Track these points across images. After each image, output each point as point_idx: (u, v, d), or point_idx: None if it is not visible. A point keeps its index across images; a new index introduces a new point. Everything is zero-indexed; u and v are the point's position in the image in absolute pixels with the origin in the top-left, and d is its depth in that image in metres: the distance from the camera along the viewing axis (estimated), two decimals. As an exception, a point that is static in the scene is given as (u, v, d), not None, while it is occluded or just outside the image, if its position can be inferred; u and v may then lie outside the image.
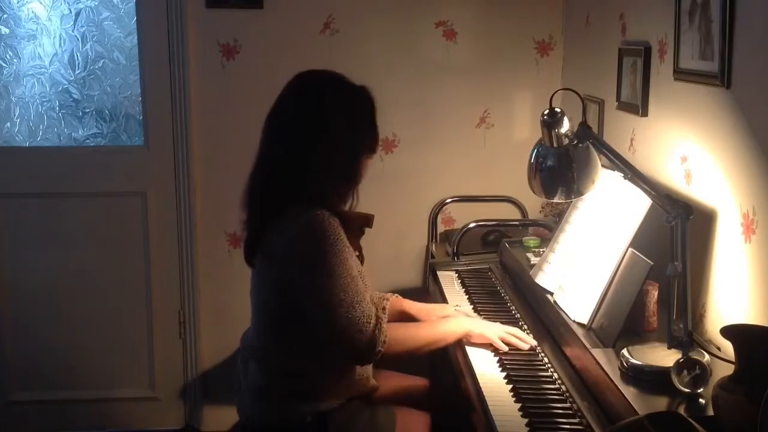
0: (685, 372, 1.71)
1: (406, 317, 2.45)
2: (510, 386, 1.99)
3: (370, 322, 2.05)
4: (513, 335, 2.21)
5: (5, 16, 3.47)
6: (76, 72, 3.52)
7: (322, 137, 2.11)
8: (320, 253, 2.04)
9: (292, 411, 2.14)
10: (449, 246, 3.12)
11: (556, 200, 2.24)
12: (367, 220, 2.28)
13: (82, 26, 3.49)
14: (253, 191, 2.18)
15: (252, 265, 2.22)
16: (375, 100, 2.20)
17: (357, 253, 2.29)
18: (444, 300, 2.63)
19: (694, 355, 1.73)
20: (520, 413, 1.86)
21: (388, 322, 2.37)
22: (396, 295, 2.50)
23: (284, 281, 2.09)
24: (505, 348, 2.18)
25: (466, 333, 2.23)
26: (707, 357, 1.78)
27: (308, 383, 2.15)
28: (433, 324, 2.28)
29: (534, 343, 2.21)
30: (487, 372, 2.08)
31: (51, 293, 3.57)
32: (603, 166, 2.16)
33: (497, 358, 2.15)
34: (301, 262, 2.07)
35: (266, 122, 2.20)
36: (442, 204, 3.54)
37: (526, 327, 2.34)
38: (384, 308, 2.37)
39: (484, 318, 2.42)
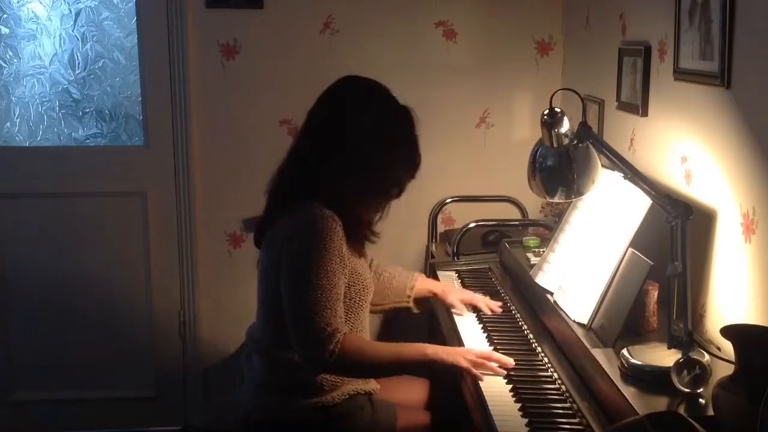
0: (685, 372, 1.71)
1: (431, 296, 2.55)
2: (510, 386, 1.99)
3: (326, 329, 2.02)
4: (489, 358, 2.08)
5: (5, 16, 3.47)
6: (76, 72, 3.52)
7: (352, 146, 2.13)
8: (307, 250, 2.06)
9: (294, 404, 2.16)
10: (449, 246, 3.12)
11: (556, 200, 2.24)
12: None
13: (82, 26, 3.49)
14: (277, 184, 2.22)
15: (260, 247, 2.25)
16: (416, 123, 2.22)
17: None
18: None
19: (694, 355, 1.73)
20: (520, 413, 1.86)
21: (418, 298, 2.51)
22: (421, 275, 2.60)
23: (276, 267, 2.12)
24: (481, 377, 2.02)
25: (434, 360, 2.09)
26: (707, 357, 1.78)
27: (309, 377, 2.15)
28: (399, 345, 2.17)
29: (511, 363, 2.07)
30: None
31: (51, 293, 3.57)
32: (603, 166, 2.16)
33: (497, 358, 2.15)
34: (289, 254, 2.10)
35: (306, 119, 2.22)
36: (442, 204, 3.53)
37: (526, 327, 2.34)
38: (412, 287, 2.51)
39: (486, 318, 2.43)
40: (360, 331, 2.24)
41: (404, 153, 2.19)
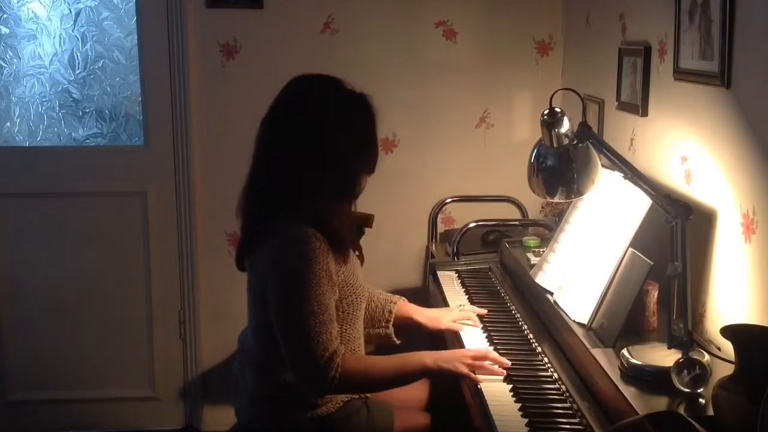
0: (685, 372, 1.71)
1: (413, 324, 2.42)
2: (510, 386, 1.99)
3: (324, 355, 1.98)
4: (485, 358, 2.08)
5: (5, 16, 3.47)
6: (76, 72, 3.52)
7: (317, 150, 2.05)
8: (293, 277, 2.00)
9: (290, 416, 2.14)
10: (449, 246, 3.12)
11: (556, 200, 2.24)
12: (366, 220, 2.27)
13: (82, 26, 3.49)
14: (247, 199, 2.14)
15: (242, 269, 2.20)
16: (375, 111, 2.13)
17: (357, 254, 2.28)
18: (444, 300, 2.63)
19: (694, 355, 1.73)
20: (520, 413, 1.86)
21: (395, 325, 2.38)
22: (403, 298, 2.47)
23: (264, 294, 2.07)
24: (480, 380, 2.02)
25: (433, 368, 2.08)
26: (707, 357, 1.78)
27: (303, 393, 2.13)
28: (398, 359, 2.14)
29: (508, 363, 2.07)
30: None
31: (51, 293, 3.57)
32: (603, 166, 2.15)
33: (497, 358, 2.15)
34: (275, 281, 2.04)
35: (261, 128, 2.14)
36: (442, 204, 3.54)
37: (526, 327, 2.34)
38: (390, 311, 2.39)
39: (486, 319, 2.43)
40: (356, 339, 2.20)
41: (366, 149, 2.12)
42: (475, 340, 2.30)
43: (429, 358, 2.11)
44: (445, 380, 2.29)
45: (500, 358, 2.08)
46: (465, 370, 2.05)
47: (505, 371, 2.05)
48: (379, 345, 2.39)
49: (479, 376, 2.03)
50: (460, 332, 2.36)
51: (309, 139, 2.06)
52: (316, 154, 2.05)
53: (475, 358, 2.08)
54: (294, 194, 2.06)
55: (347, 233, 2.15)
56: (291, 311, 2.01)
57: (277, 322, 2.04)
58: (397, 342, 2.41)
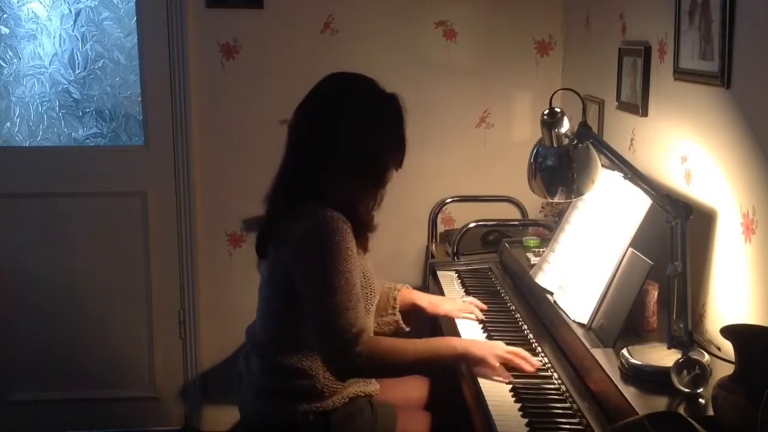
0: (685, 372, 1.71)
1: (416, 309, 2.46)
2: (510, 386, 1.99)
3: (351, 330, 2.00)
4: (516, 355, 2.08)
5: (5, 16, 3.47)
6: (76, 72, 3.52)
7: (344, 140, 2.12)
8: (323, 253, 2.04)
9: (294, 409, 2.14)
10: (449, 246, 3.12)
11: (556, 200, 2.24)
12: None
13: (82, 26, 3.49)
14: (277, 186, 2.20)
15: (262, 256, 2.23)
16: (404, 110, 2.21)
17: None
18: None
19: (694, 355, 1.73)
20: (520, 413, 1.86)
21: (401, 311, 2.42)
22: (407, 285, 2.51)
23: (288, 277, 2.09)
24: (509, 377, 2.02)
25: (463, 355, 2.09)
26: (707, 357, 1.78)
27: (311, 382, 2.14)
28: (426, 342, 2.15)
29: (539, 364, 2.07)
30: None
31: (51, 293, 3.57)
32: (603, 166, 2.16)
33: (497, 358, 2.15)
34: (304, 259, 2.07)
35: (293, 118, 2.21)
36: (442, 204, 3.54)
37: (526, 327, 2.34)
38: (395, 298, 2.42)
39: (486, 318, 2.43)
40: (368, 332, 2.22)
41: (395, 145, 2.20)
42: (474, 338, 2.30)
43: (459, 343, 2.13)
44: (445, 380, 2.29)
45: (532, 359, 2.08)
46: (494, 361, 2.05)
47: (533, 369, 2.05)
48: (390, 333, 2.42)
49: (509, 375, 2.03)
50: (459, 329, 2.37)
51: (341, 133, 2.12)
52: (348, 148, 2.12)
53: (509, 352, 2.08)
54: (323, 183, 2.11)
55: (371, 223, 2.21)
56: (320, 287, 2.03)
57: (307, 299, 2.06)
58: (407, 329, 2.44)
